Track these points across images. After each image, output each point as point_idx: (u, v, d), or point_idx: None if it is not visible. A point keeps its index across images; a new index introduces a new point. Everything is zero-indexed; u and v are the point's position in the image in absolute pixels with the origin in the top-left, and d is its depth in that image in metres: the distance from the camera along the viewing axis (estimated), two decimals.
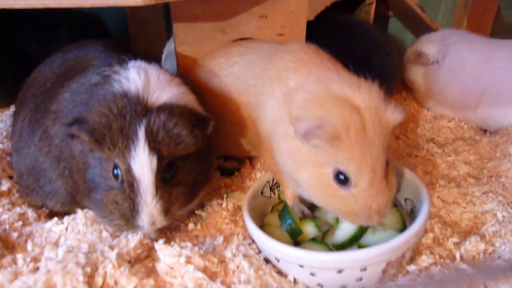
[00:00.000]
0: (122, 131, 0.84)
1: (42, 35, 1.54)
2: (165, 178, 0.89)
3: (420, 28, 1.89)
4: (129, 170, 0.85)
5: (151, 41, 1.86)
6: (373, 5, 1.70)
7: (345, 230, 0.94)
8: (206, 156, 0.99)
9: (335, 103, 0.85)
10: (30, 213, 1.04)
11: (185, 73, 1.32)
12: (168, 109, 0.86)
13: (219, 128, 1.08)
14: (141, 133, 0.84)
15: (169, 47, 1.63)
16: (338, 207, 0.89)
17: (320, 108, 0.85)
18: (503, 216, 1.07)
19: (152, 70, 0.94)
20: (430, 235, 1.00)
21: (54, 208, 1.06)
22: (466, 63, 1.49)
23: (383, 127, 0.86)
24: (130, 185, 0.86)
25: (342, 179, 0.86)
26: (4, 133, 1.36)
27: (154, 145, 0.85)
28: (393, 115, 0.88)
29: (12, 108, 1.52)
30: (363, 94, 0.86)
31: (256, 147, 1.13)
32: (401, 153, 1.37)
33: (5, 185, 1.09)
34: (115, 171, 0.88)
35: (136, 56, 1.03)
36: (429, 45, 1.56)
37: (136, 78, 0.90)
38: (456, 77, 1.50)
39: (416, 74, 1.66)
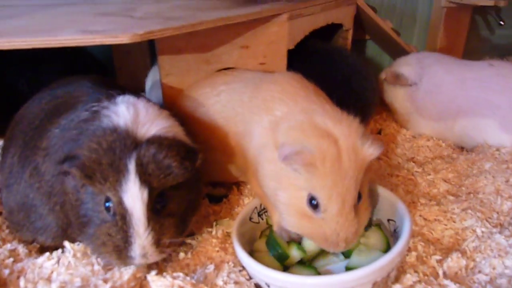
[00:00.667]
0: (113, 165, 0.87)
1: (31, 71, 1.56)
2: (156, 209, 0.91)
3: (396, 50, 1.97)
4: (120, 203, 0.88)
5: (135, 72, 1.89)
6: (351, 31, 1.77)
7: None
8: (195, 185, 1.02)
9: (315, 133, 0.90)
10: (21, 249, 1.04)
11: (171, 103, 1.35)
12: (157, 141, 0.89)
13: (207, 156, 1.11)
14: (131, 166, 0.87)
15: (154, 77, 1.66)
16: (309, 230, 0.93)
17: (302, 136, 0.91)
18: (482, 232, 1.11)
19: (141, 104, 0.97)
20: (414, 253, 1.03)
21: (45, 243, 1.06)
22: (441, 84, 1.56)
23: (359, 161, 0.91)
24: (122, 218, 0.88)
25: (314, 204, 0.91)
26: None
27: (144, 178, 0.88)
28: (369, 150, 0.93)
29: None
30: (342, 127, 0.91)
31: (244, 173, 1.17)
32: (383, 174, 1.42)
33: None
34: (107, 204, 0.90)
35: (124, 90, 1.07)
36: (407, 67, 1.63)
37: (125, 112, 0.93)
38: (433, 97, 1.57)
39: (395, 96, 1.72)
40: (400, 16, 2.20)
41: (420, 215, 1.20)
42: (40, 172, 1.01)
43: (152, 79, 1.69)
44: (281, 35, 1.42)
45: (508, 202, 1.21)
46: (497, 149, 1.47)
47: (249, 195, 1.29)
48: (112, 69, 1.91)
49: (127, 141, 0.88)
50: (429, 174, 1.40)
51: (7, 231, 1.10)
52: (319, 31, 1.61)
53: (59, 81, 1.19)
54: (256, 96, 1.09)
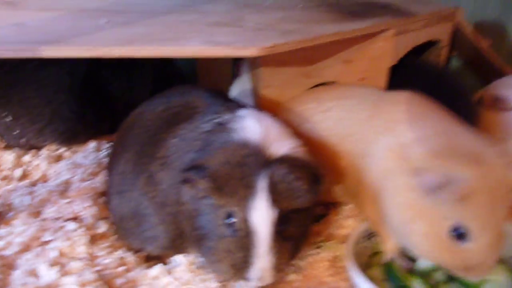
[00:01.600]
0: (243, 180, 0.85)
1: (124, 74, 1.58)
2: (278, 231, 0.88)
3: (487, 71, 1.87)
4: (246, 220, 0.85)
5: (218, 80, 1.88)
6: (446, 49, 1.69)
7: None
8: (312, 209, 0.98)
9: (465, 159, 0.84)
10: (130, 257, 1.03)
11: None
12: (289, 161, 0.86)
13: None
14: (262, 184, 0.84)
15: (243, 86, 1.64)
16: (450, 261, 0.87)
17: (449, 163, 0.84)
18: None
19: (267, 119, 0.95)
20: None
21: (152, 252, 1.06)
22: None
23: (509, 187, 0.85)
24: (246, 236, 0.85)
25: (460, 234, 0.84)
26: (89, 170, 1.38)
27: (273, 197, 0.85)
28: None
29: (91, 144, 1.55)
30: (493, 152, 0.85)
31: (353, 195, 1.12)
32: None
33: (103, 227, 1.10)
34: (230, 220, 0.87)
35: (241, 104, 1.05)
36: (509, 90, 1.53)
37: (255, 127, 0.91)
38: None
39: (490, 120, 1.63)
40: (489, 34, 2.10)
41: None
42: (155, 181, 1.00)
43: (240, 88, 1.66)
44: (385, 50, 1.37)
45: None
46: None
47: (349, 216, 1.23)
48: (195, 75, 1.91)
49: (259, 157, 0.86)
50: None
51: (113, 237, 1.10)
52: None
53: (172, 89, 1.18)
54: (377, 117, 1.04)
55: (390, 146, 0.97)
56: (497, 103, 1.56)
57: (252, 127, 0.91)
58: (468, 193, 0.81)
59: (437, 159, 0.86)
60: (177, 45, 0.96)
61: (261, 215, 0.84)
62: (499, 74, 1.78)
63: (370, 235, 1.12)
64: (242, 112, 0.97)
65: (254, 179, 0.84)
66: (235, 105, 1.03)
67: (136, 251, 1.07)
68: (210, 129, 0.95)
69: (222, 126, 0.93)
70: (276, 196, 0.85)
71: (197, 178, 0.86)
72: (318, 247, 1.10)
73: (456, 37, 1.79)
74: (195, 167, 0.87)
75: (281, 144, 0.90)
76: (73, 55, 0.94)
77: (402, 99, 1.05)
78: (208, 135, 0.94)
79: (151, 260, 1.08)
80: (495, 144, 0.89)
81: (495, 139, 0.92)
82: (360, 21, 1.30)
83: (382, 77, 1.41)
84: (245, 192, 0.85)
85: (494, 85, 1.64)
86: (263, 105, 1.35)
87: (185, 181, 0.90)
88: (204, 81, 1.90)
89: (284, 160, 0.86)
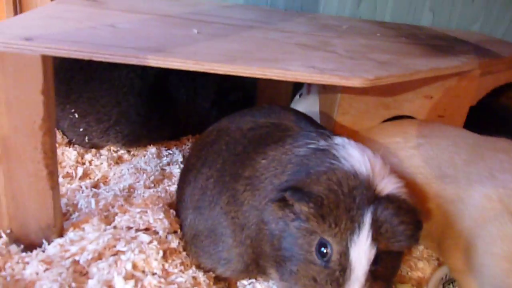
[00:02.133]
0: (349, 212, 0.81)
1: (190, 82, 1.56)
2: (371, 270, 0.84)
3: None
4: (345, 254, 0.81)
5: (277, 95, 1.86)
6: None
7: None
8: (402, 253, 0.94)
9: None
10: (202, 277, 1.00)
11: None
12: (396, 202, 0.82)
13: None
14: (368, 220, 0.80)
15: (308, 107, 1.61)
16: None
17: None
18: None
19: (369, 151, 0.91)
20: None
21: (223, 274, 1.02)
22: None
23: None
24: (339, 269, 0.81)
25: None
26: (152, 177, 1.36)
27: (375, 236, 0.81)
28: None
29: (151, 149, 1.53)
30: None
31: (436, 238, 1.07)
32: None
33: (175, 242, 1.06)
34: (322, 249, 0.83)
35: (330, 131, 1.02)
36: None
37: (362, 158, 0.86)
38: None
39: None
40: None
41: None
42: (238, 201, 0.96)
43: (304, 107, 1.63)
44: (468, 90, 1.34)
45: None
46: None
47: (420, 258, 1.19)
48: (254, 91, 1.88)
49: (367, 191, 0.82)
50: None
51: (183, 253, 1.06)
52: None
53: (257, 108, 1.15)
54: (477, 162, 1.00)
55: (489, 194, 0.93)
56: None
57: (358, 157, 0.86)
58: None
59: None
60: (281, 68, 0.93)
61: (361, 252, 0.80)
62: None
63: (446, 281, 1.07)
64: (338, 140, 0.94)
65: (360, 213, 0.80)
66: (326, 131, 0.99)
67: (206, 271, 1.03)
68: (305, 153, 0.92)
69: (320, 152, 0.90)
70: (377, 235, 0.81)
71: (297, 200, 0.82)
72: None
73: None
74: (295, 189, 0.83)
75: (387, 181, 0.85)
76: (179, 66, 0.92)
77: (503, 147, 1.01)
78: (303, 159, 0.91)
79: (219, 281, 1.04)
80: None
81: None
82: (449, 58, 1.27)
83: (461, 117, 1.37)
84: (349, 225, 0.80)
85: None
86: (338, 132, 1.32)
87: (279, 200, 0.86)
88: (263, 95, 1.88)
89: (391, 200, 0.82)
